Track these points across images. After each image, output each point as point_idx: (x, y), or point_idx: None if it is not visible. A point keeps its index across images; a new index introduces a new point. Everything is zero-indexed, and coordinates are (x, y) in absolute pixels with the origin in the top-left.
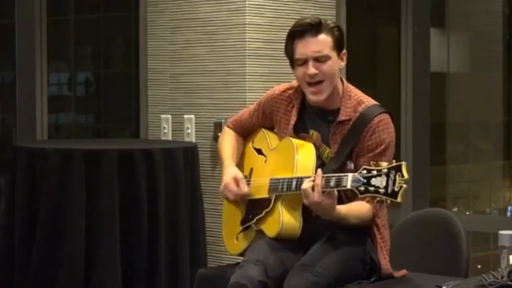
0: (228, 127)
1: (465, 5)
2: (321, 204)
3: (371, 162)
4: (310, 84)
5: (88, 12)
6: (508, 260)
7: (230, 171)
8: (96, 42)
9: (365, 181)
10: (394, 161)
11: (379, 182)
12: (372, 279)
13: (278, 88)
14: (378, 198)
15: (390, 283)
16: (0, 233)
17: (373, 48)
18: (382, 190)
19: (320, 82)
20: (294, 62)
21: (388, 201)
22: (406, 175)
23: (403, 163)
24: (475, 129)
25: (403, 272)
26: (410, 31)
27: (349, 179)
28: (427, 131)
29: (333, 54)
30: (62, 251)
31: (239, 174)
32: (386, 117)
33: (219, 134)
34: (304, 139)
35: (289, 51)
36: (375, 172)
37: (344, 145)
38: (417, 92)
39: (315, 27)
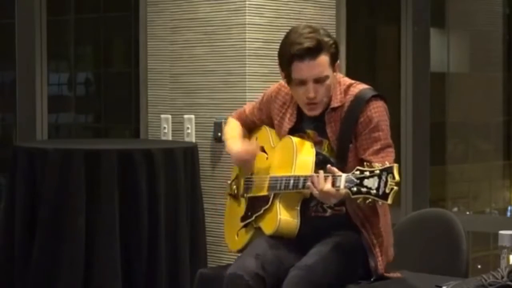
0: (233, 117)
1: (465, 5)
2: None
3: (365, 164)
4: (307, 103)
5: (88, 12)
6: (508, 260)
7: (232, 144)
8: (96, 42)
9: (358, 181)
10: (387, 163)
11: (371, 183)
12: (372, 279)
13: (277, 86)
14: (369, 200)
15: (390, 283)
16: (0, 233)
17: (373, 48)
18: (373, 192)
19: (317, 102)
20: (291, 81)
21: (380, 203)
22: (397, 177)
23: (395, 165)
24: (475, 129)
25: (398, 274)
26: (410, 31)
27: (342, 180)
28: (427, 131)
29: (330, 71)
30: (62, 251)
31: (236, 148)
32: (377, 100)
33: (219, 134)
34: (303, 138)
35: (287, 70)
36: (367, 173)
37: (343, 130)
38: (417, 92)
39: (315, 50)
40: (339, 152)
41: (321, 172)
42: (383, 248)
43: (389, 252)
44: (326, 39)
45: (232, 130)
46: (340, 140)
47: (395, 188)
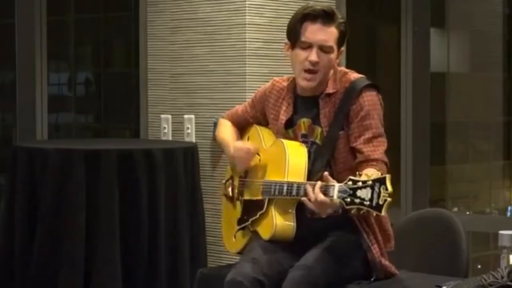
0: (223, 118)
1: (465, 5)
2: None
3: (357, 173)
4: (306, 70)
5: (88, 12)
6: (508, 260)
7: (233, 147)
8: (96, 42)
9: (351, 192)
10: (379, 173)
11: (365, 194)
12: (372, 279)
13: (271, 82)
14: (363, 210)
15: (389, 283)
16: (0, 233)
17: (373, 48)
18: (367, 203)
19: (316, 71)
20: (297, 44)
21: (374, 214)
22: (390, 189)
23: (387, 176)
24: (475, 129)
25: (397, 272)
26: (410, 31)
27: (335, 190)
28: (427, 131)
29: (335, 48)
30: (62, 251)
31: (241, 143)
32: (371, 90)
33: None
34: (295, 134)
35: (295, 31)
36: (360, 184)
37: (336, 117)
38: (417, 92)
39: (328, 16)
40: (329, 138)
41: (309, 186)
42: (377, 236)
43: (387, 241)
44: (339, 15)
45: (225, 130)
46: (332, 126)
47: (389, 199)
